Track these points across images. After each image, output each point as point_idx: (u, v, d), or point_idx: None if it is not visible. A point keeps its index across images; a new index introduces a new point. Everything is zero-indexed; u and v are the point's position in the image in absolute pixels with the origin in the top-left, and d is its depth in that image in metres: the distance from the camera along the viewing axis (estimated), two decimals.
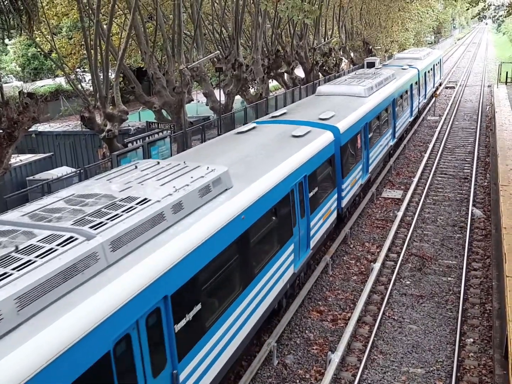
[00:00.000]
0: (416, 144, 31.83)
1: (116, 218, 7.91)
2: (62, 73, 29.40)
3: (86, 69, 39.70)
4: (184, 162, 11.05)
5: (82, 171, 18.05)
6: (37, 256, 6.62)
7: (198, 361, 8.79)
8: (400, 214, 19.99)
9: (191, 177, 9.97)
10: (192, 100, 28.29)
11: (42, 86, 50.03)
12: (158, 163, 11.00)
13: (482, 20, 51.67)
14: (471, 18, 44.19)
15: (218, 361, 9.51)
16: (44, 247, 6.86)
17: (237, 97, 34.18)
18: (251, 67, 31.40)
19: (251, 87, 37.88)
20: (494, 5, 37.73)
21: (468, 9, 37.84)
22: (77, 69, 39.08)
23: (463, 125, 37.15)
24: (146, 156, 18.54)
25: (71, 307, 6.36)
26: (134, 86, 25.78)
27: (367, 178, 21.60)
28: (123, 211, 8.18)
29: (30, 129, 17.16)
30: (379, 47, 62.00)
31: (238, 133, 16.46)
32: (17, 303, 5.89)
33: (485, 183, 24.20)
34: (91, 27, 21.79)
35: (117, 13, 29.59)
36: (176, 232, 8.60)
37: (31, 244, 6.92)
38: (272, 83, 50.62)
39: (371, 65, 46.00)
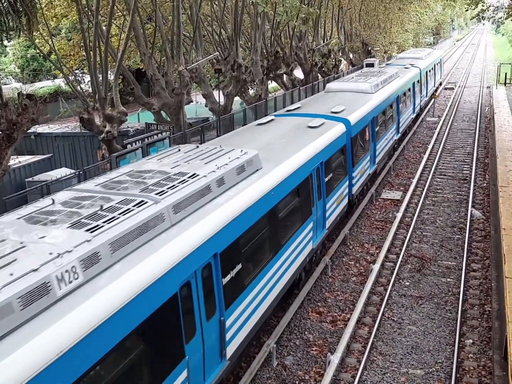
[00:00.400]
0: (415, 145, 31.84)
1: (174, 188, 9.49)
2: (61, 74, 29.41)
3: (85, 71, 39.65)
4: (220, 146, 12.75)
5: (81, 172, 18.05)
6: (119, 214, 8.17)
7: (239, 312, 10.37)
8: (399, 215, 20.00)
9: (229, 158, 11.60)
10: (191, 101, 28.34)
11: (41, 88, 49.98)
12: (197, 146, 12.87)
13: (480, 21, 51.79)
14: (470, 19, 44.41)
15: (255, 315, 11.13)
16: (122, 207, 8.43)
17: (236, 98, 34.19)
18: (250, 68, 31.45)
19: (250, 88, 37.91)
20: (493, 6, 37.75)
21: (467, 10, 37.87)
22: (76, 71, 39.02)
23: (462, 126, 37.16)
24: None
25: (149, 254, 7.89)
26: (133, 87, 25.80)
27: (374, 169, 22.88)
28: (178, 183, 9.77)
29: (29, 131, 17.16)
30: (378, 48, 62.02)
31: (259, 124, 18.00)
32: (110, 248, 7.43)
33: (484, 184, 24.21)
34: (90, 28, 21.78)
35: (116, 14, 29.61)
36: (220, 203, 10.20)
37: (112, 205, 8.48)
38: (271, 84, 50.67)
39: (370, 66, 46.03)
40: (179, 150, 12.31)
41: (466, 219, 19.96)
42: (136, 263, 7.61)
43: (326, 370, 11.27)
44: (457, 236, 18.81)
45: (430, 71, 42.71)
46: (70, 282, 6.69)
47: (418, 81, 35.73)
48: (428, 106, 42.77)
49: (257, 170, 12.20)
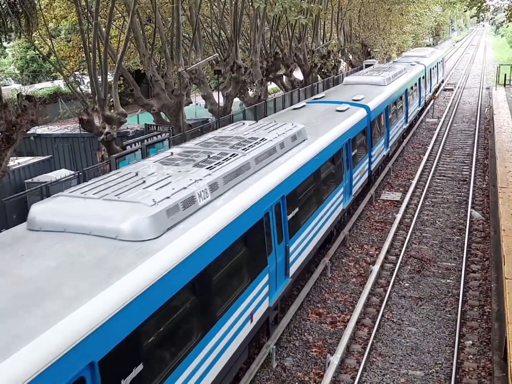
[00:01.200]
0: (415, 146, 31.86)
1: (251, 147, 12.59)
2: (61, 75, 29.42)
3: (85, 72, 39.68)
4: (275, 121, 16.28)
5: (80, 173, 18.04)
6: (222, 160, 11.27)
7: (297, 244, 13.36)
8: (399, 216, 20.00)
9: (284, 129, 14.84)
10: (191, 102, 28.31)
11: (40, 89, 50.04)
12: (257, 121, 17.52)
13: (479, 22, 52.07)
14: (471, 17, 44.50)
15: (307, 249, 14.22)
16: (221, 157, 11.52)
17: (236, 99, 34.21)
18: (250, 70, 31.44)
19: (250, 90, 37.92)
20: (493, 6, 37.75)
21: (465, 11, 37.93)
22: (76, 72, 39.04)
23: (461, 127, 37.18)
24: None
25: (246, 188, 11.03)
26: (133, 88, 25.79)
27: (388, 152, 26.26)
28: (254, 143, 12.90)
29: (28, 132, 17.16)
30: (378, 50, 62.07)
31: (294, 109, 21.46)
32: (223, 180, 10.59)
33: (484, 185, 24.21)
34: (90, 29, 21.78)
35: (116, 15, 29.62)
36: (283, 160, 13.29)
37: (214, 155, 11.58)
38: (271, 86, 50.71)
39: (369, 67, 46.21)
40: (244, 124, 15.68)
41: (465, 220, 19.96)
42: (239, 193, 10.73)
43: (325, 371, 11.27)
44: (456, 237, 18.81)
45: (433, 68, 45.73)
46: (204, 199, 9.77)
47: (423, 77, 38.66)
48: (428, 106, 42.80)
49: (304, 140, 15.27)
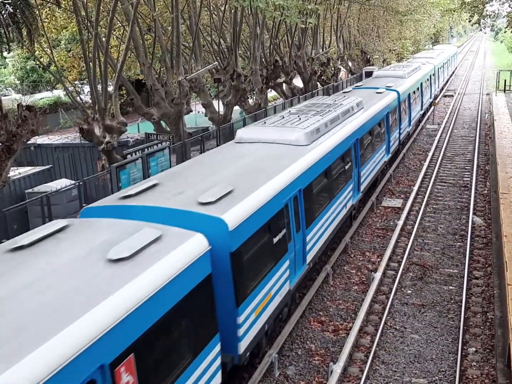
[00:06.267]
0: (416, 153, 31.84)
1: (338, 107, 19.72)
2: (61, 85, 29.47)
3: (85, 82, 39.76)
4: (344, 94, 25.16)
5: (81, 183, 18.04)
6: (325, 113, 18.29)
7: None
8: (400, 223, 19.95)
9: (351, 99, 21.68)
10: (191, 111, 28.36)
11: (41, 99, 50.12)
12: (330, 95, 29.49)
13: (481, 30, 52.77)
14: (472, 25, 44.87)
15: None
16: (324, 110, 18.76)
17: (236, 107, 34.25)
18: (250, 78, 31.51)
19: (249, 98, 37.98)
20: (494, 12, 37.80)
21: (470, 21, 38.17)
22: (76, 82, 39.10)
23: (462, 133, 37.18)
24: (145, 167, 18.50)
25: (339, 130, 17.92)
26: (133, 97, 25.83)
27: (411, 129, 33.41)
28: (337, 106, 19.74)
29: (29, 142, 17.18)
30: (377, 57, 62.14)
31: (344, 92, 28.12)
32: (329, 122, 17.63)
33: (485, 191, 24.17)
34: (90, 39, 21.84)
35: (116, 25, 29.70)
36: (354, 118, 19.93)
37: (320, 110, 18.89)
38: (271, 93, 50.79)
39: (369, 74, 46.39)
40: (323, 97, 24.18)
41: (467, 226, 19.90)
42: (336, 132, 17.43)
43: (328, 379, 11.20)
44: (458, 243, 18.76)
45: (441, 67, 54.62)
46: (323, 129, 16.73)
47: (433, 74, 46.27)
48: (429, 112, 42.86)
49: (362, 108, 21.76)
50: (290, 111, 19.04)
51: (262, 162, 13.63)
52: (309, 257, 14.08)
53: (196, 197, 10.31)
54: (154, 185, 11.37)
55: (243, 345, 10.13)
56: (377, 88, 27.98)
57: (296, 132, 15.40)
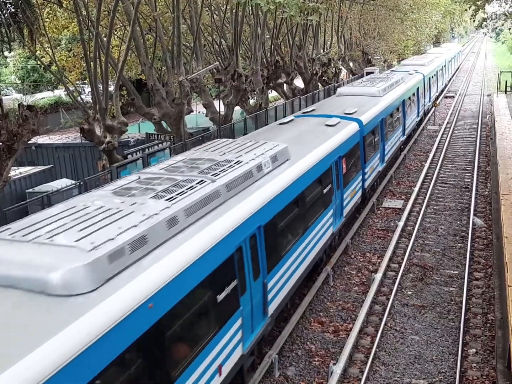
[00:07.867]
0: (416, 154, 31.81)
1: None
2: (62, 85, 29.46)
3: (86, 82, 39.72)
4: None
5: (82, 183, 18.03)
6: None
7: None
8: (401, 224, 19.94)
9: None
10: (192, 111, 28.33)
11: (41, 99, 50.16)
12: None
13: (485, 34, 54.78)
14: (476, 28, 45.60)
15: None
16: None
17: (237, 108, 34.21)
18: (251, 78, 31.46)
19: (250, 98, 37.92)
20: (494, 14, 37.79)
21: (474, 20, 38.24)
22: (77, 81, 39.09)
23: (463, 134, 37.15)
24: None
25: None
26: (134, 97, 25.82)
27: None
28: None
29: (29, 142, 17.17)
30: (378, 57, 62.12)
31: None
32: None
33: (486, 192, 24.16)
34: (91, 39, 21.83)
35: (117, 25, 29.68)
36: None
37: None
38: (272, 94, 50.76)
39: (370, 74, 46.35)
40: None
41: (468, 228, 19.89)
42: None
43: (328, 380, 11.20)
44: (459, 244, 18.74)
45: (450, 61, 60.73)
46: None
47: (440, 69, 50.16)
48: (431, 113, 42.84)
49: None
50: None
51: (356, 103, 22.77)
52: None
53: (343, 111, 21.15)
54: (312, 110, 22.74)
55: None
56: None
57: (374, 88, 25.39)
